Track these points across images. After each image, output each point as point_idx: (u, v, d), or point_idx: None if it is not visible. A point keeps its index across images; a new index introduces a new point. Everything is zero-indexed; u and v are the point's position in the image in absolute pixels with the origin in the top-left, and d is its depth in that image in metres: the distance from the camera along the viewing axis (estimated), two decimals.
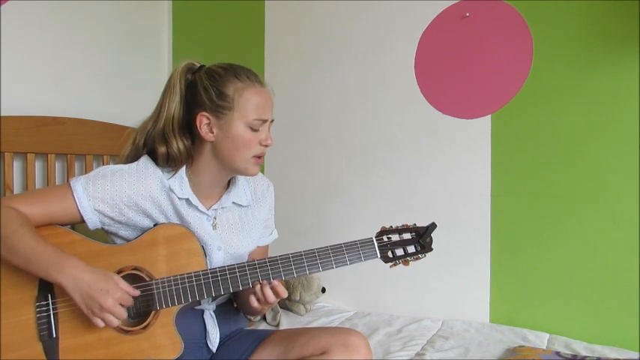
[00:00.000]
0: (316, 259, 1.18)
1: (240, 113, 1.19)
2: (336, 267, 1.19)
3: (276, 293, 1.16)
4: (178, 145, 1.20)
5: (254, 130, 1.20)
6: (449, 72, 2.00)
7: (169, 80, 1.24)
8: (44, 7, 1.92)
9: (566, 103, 1.83)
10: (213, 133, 1.21)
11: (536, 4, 1.86)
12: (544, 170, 1.87)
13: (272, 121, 1.25)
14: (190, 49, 2.45)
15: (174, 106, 1.21)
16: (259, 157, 1.23)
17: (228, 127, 1.19)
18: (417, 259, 1.23)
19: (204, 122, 1.20)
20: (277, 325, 1.94)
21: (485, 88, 1.94)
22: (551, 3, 1.84)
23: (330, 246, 1.20)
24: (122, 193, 1.18)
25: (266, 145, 1.23)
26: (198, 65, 1.26)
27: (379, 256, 1.21)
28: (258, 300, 1.16)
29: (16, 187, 1.79)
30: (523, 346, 1.66)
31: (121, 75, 2.25)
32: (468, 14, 1.95)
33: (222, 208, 1.28)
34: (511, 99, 1.90)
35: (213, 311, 1.29)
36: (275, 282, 1.16)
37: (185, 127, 1.23)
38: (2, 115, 1.72)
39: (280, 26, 2.30)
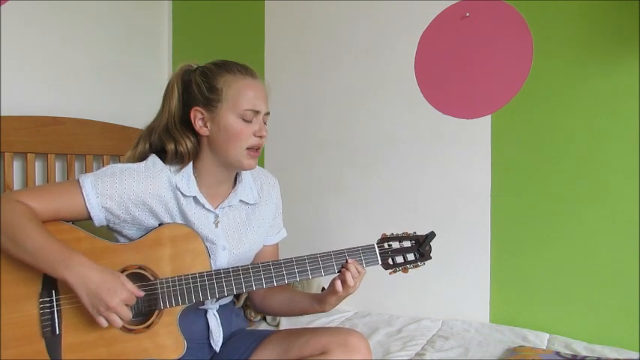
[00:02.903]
0: (319, 264, 1.20)
1: (230, 104, 1.20)
2: (337, 272, 1.20)
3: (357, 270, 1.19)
4: (186, 142, 1.21)
5: (246, 121, 1.21)
6: (449, 72, 2.00)
7: (168, 84, 1.26)
8: (44, 7, 1.92)
9: (566, 103, 1.83)
10: (207, 127, 1.22)
11: (536, 4, 1.86)
12: (544, 170, 1.87)
13: (267, 113, 1.26)
14: (190, 49, 2.45)
15: (174, 105, 1.23)
16: (255, 149, 1.23)
17: (220, 119, 1.20)
18: (415, 267, 1.26)
19: (198, 117, 1.22)
20: (277, 325, 1.94)
21: (485, 88, 1.94)
22: (551, 3, 1.84)
23: (333, 251, 1.21)
24: (130, 191, 1.18)
25: (260, 137, 1.22)
26: (195, 67, 1.27)
27: (380, 263, 1.23)
28: (343, 282, 1.18)
29: (16, 187, 1.78)
30: (523, 346, 1.66)
31: (121, 75, 2.25)
32: (468, 14, 1.95)
33: (229, 206, 1.28)
34: (511, 99, 1.91)
35: (216, 311, 1.29)
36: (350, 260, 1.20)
37: (187, 126, 1.24)
38: (2, 115, 1.72)
39: (280, 26, 2.29)
